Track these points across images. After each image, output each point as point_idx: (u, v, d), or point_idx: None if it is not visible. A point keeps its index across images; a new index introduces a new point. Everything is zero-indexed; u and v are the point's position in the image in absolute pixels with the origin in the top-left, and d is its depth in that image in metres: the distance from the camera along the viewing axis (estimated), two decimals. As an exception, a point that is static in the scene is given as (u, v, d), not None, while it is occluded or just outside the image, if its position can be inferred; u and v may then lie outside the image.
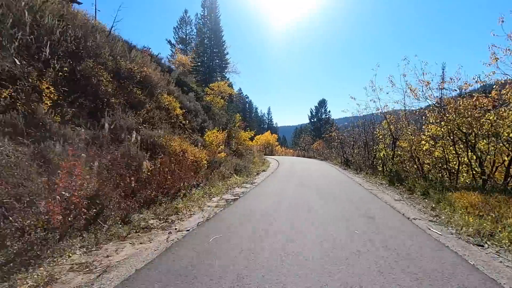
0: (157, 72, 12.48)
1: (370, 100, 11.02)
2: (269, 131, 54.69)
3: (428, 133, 7.52)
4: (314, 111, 47.58)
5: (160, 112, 10.46)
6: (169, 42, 45.33)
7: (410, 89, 7.24)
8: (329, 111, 46.70)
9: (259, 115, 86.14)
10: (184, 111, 12.45)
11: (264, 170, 14.36)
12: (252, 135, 18.21)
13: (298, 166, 16.67)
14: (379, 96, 10.78)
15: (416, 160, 9.08)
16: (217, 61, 27.60)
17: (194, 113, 13.90)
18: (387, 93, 14.81)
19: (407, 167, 10.15)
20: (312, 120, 47.51)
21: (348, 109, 15.77)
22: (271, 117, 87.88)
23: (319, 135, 41.77)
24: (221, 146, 11.82)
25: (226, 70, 28.87)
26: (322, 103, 47.24)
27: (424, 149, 7.79)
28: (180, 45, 43.68)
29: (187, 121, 12.22)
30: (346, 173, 13.15)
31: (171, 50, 42.78)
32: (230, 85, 25.64)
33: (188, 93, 15.55)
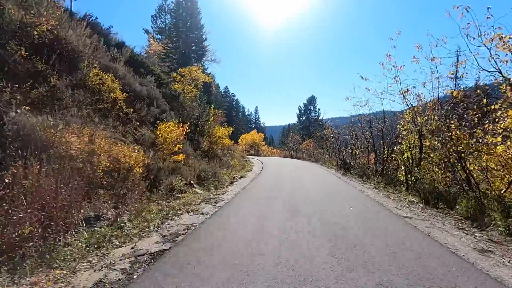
0: (88, 41, 8.84)
1: (394, 78, 7.85)
2: (255, 129, 51.49)
3: (506, 124, 4.41)
4: (302, 108, 44.62)
5: (79, 92, 6.88)
6: (146, 31, 41.13)
7: (500, 38, 4.10)
8: (319, 109, 43.98)
9: (246, 114, 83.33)
10: (128, 95, 8.89)
11: (242, 177, 11.02)
12: (231, 131, 14.83)
13: (286, 171, 13.44)
14: (399, 77, 7.66)
15: (462, 166, 6.01)
16: (193, 47, 23.83)
17: (149, 101, 10.34)
18: (414, 71, 11.10)
19: (437, 176, 7.10)
20: (301, 119, 44.53)
21: (353, 97, 12.35)
22: (258, 117, 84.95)
23: (308, 134, 38.94)
24: (178, 145, 8.35)
25: (204, 58, 25.21)
26: (312, 100, 44.38)
27: (496, 151, 4.68)
28: (159, 35, 39.58)
29: (131, 110, 8.66)
30: (349, 181, 10.00)
31: (148, 40, 38.70)
32: (212, 75, 22.07)
33: (145, 76, 11.95)
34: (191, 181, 7.85)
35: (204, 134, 13.55)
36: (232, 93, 74.53)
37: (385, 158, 10.01)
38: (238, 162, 15.67)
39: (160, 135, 8.33)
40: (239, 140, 41.45)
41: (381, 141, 10.21)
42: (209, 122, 14.38)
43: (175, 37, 23.68)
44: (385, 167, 9.89)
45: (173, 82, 15.39)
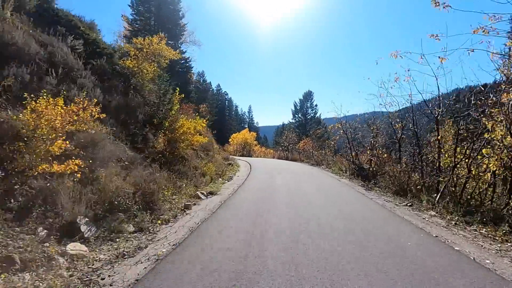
0: None
1: (480, 29, 3.89)
2: (246, 128, 47.55)
3: None
4: (298, 105, 40.39)
5: None
6: (125, 18, 36.70)
7: None
8: (316, 105, 39.74)
9: (239, 113, 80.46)
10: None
11: (211, 194, 6.88)
12: (204, 124, 10.60)
13: (282, 180, 9.34)
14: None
15: None
16: (168, 26, 19.33)
17: (47, 66, 6.08)
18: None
19: None
20: (297, 116, 40.31)
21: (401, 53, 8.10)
22: (252, 116, 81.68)
23: (304, 132, 34.97)
24: (59, 143, 4.11)
25: (181, 39, 20.69)
26: (308, 96, 40.22)
27: None
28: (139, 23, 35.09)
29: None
30: (388, 205, 5.92)
31: (124, 27, 34.20)
32: (185, 56, 17.71)
33: (64, 38, 7.69)
34: (79, 220, 3.64)
35: (161, 128, 9.35)
36: (225, 92, 71.17)
37: (438, 167, 5.98)
38: (216, 167, 11.53)
39: (30, 120, 4.09)
40: (230, 140, 37.66)
41: (437, 136, 6.15)
42: (173, 112, 10.17)
43: (146, 12, 19.31)
44: (445, 180, 5.84)
45: (124, 56, 11.13)
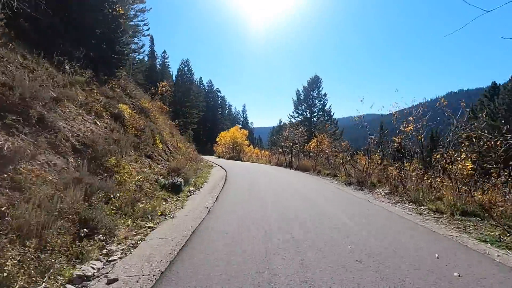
0: None
1: None
2: (236, 126, 38.97)
3: None
4: (302, 94, 31.12)
5: None
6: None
7: None
8: (325, 95, 30.63)
9: (233, 112, 76.57)
10: None
11: None
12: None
13: None
14: None
15: None
16: None
17: None
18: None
19: None
20: (300, 108, 31.00)
21: None
22: (246, 115, 75.79)
23: (310, 128, 25.90)
24: None
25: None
26: (315, 82, 31.00)
27: None
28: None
29: None
30: None
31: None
32: None
33: None
34: None
35: None
36: (217, 88, 64.15)
37: None
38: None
39: None
40: (217, 139, 29.50)
41: None
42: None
43: None
44: None
45: None
